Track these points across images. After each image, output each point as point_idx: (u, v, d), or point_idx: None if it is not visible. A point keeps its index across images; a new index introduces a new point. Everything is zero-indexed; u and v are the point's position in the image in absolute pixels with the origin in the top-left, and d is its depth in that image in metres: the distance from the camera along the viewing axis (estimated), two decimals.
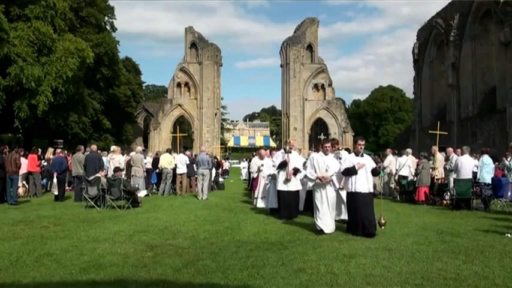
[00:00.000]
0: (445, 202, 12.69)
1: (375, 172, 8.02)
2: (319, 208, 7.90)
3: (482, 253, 6.16)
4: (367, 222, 7.50)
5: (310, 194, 9.75)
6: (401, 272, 5.08)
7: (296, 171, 9.86)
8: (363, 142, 8.07)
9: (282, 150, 10.59)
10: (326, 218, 7.84)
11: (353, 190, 7.69)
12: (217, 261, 5.62)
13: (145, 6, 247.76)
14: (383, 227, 7.89)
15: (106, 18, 39.83)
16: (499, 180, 12.40)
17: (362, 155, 7.91)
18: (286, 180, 9.78)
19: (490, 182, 12.02)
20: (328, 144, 8.42)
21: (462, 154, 12.57)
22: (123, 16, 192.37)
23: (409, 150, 15.87)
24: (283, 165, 9.89)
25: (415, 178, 13.96)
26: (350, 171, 7.70)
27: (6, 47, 22.20)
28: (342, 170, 7.82)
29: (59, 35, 25.63)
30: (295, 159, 10.03)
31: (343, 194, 8.59)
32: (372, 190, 7.93)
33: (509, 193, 12.93)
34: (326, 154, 8.26)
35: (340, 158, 8.95)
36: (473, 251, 6.27)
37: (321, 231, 7.73)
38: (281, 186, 9.87)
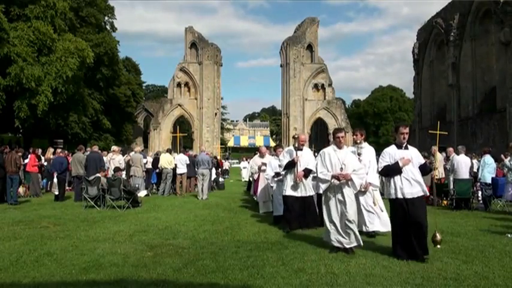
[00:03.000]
0: (445, 202, 12.69)
1: (424, 170, 6.05)
2: (335, 219, 6.14)
3: (482, 253, 6.15)
4: (417, 240, 5.61)
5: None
6: (401, 272, 5.08)
7: (307, 172, 8.02)
8: (407, 130, 6.03)
9: (291, 147, 8.52)
10: (348, 231, 6.06)
11: (397, 195, 5.81)
12: (217, 261, 5.62)
13: (145, 6, 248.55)
14: (438, 246, 6.18)
15: (106, 18, 39.79)
16: (497, 180, 12.41)
17: (406, 147, 6.00)
18: (296, 184, 7.99)
19: (490, 182, 12.03)
20: (342, 134, 6.47)
21: (458, 154, 12.59)
22: (123, 16, 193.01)
23: None
24: (291, 165, 8.03)
25: None
26: (392, 170, 5.87)
27: (6, 47, 22.18)
28: (380, 169, 6.05)
29: (59, 35, 25.62)
30: (306, 158, 8.17)
31: (364, 199, 7.34)
32: (423, 193, 5.87)
33: (510, 193, 12.94)
34: (340, 148, 6.39)
35: (359, 154, 7.36)
36: (473, 251, 6.27)
37: (336, 248, 6.09)
38: (289, 191, 8.03)
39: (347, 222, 6.05)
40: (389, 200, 6.04)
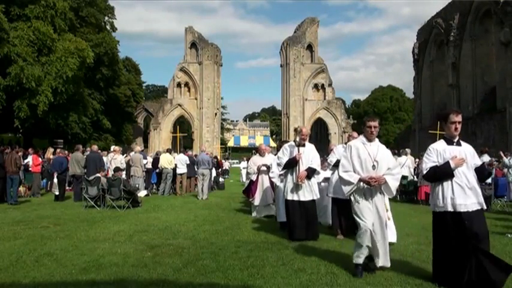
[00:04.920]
0: None
1: (482, 174, 4.64)
2: (370, 226, 4.91)
3: None
4: (476, 269, 4.16)
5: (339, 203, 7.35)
6: (401, 272, 5.07)
7: (311, 172, 7.02)
8: (459, 118, 4.54)
9: (292, 143, 7.47)
10: (378, 246, 4.90)
11: (447, 208, 4.40)
12: (217, 261, 5.61)
13: (145, 6, 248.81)
14: None
15: (106, 18, 39.81)
16: (497, 180, 12.43)
17: (459, 143, 4.60)
18: (297, 186, 6.98)
19: (490, 182, 12.04)
20: (375, 124, 5.08)
21: None
22: (123, 16, 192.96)
23: (407, 150, 15.89)
24: (291, 164, 7.05)
25: (415, 178, 13.97)
26: (441, 173, 4.44)
27: (6, 47, 22.20)
28: (425, 172, 4.64)
29: (59, 35, 25.64)
30: (309, 156, 7.14)
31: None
32: (480, 206, 4.41)
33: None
34: (370, 140, 5.10)
35: None
36: None
37: (361, 268, 4.93)
38: (289, 195, 7.05)
39: (374, 234, 4.92)
40: (433, 213, 4.59)
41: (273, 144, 78.36)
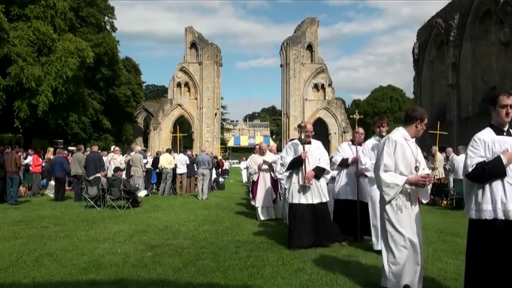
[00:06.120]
0: (445, 202, 12.71)
1: None
2: (411, 239, 4.15)
3: None
4: None
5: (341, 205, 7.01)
6: None
7: (319, 172, 6.40)
8: (511, 100, 3.56)
9: (295, 140, 6.81)
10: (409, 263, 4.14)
11: (497, 215, 3.41)
12: (218, 261, 5.61)
13: (146, 6, 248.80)
14: None
15: (106, 18, 39.84)
16: None
17: (509, 133, 3.66)
18: (304, 188, 6.36)
19: None
20: (425, 122, 4.27)
21: (458, 154, 12.57)
22: (123, 16, 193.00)
23: None
24: (296, 164, 6.45)
25: None
26: (491, 171, 3.47)
27: (6, 47, 22.21)
28: (470, 169, 3.54)
29: (59, 35, 25.65)
30: (316, 154, 6.54)
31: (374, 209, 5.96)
32: None
33: None
34: (414, 137, 4.28)
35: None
36: None
37: None
38: (296, 197, 6.39)
39: (416, 247, 4.18)
40: (472, 221, 3.60)
41: (273, 144, 78.27)
